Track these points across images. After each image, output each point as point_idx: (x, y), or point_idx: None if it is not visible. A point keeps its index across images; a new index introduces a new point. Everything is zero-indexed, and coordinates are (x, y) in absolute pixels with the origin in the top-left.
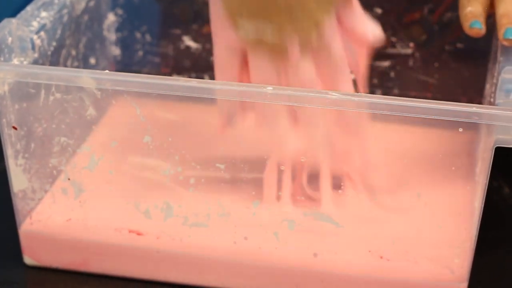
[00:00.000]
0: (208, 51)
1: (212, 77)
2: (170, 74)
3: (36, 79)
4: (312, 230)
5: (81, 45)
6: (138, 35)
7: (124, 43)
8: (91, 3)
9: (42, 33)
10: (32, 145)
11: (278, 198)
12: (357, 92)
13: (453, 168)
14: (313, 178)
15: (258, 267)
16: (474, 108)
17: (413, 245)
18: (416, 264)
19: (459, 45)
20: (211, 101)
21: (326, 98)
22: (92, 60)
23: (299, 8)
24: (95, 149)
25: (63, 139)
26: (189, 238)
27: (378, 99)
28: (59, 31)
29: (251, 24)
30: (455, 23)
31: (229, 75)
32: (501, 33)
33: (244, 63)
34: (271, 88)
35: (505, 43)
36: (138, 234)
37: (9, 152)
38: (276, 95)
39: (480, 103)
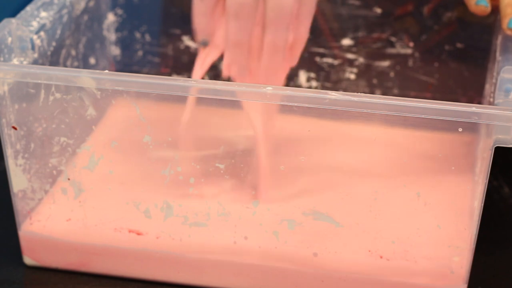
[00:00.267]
0: None
1: (212, 78)
2: (170, 74)
3: (36, 79)
4: (312, 230)
5: (81, 45)
6: (138, 35)
7: (124, 43)
8: (91, 3)
9: (42, 33)
10: (32, 145)
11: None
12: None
13: (453, 168)
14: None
15: (258, 267)
16: (473, 108)
17: (413, 245)
18: (416, 264)
19: (459, 45)
20: (211, 101)
21: (326, 98)
22: (92, 60)
23: None
24: (95, 149)
25: (63, 139)
26: (189, 237)
27: (378, 99)
28: (59, 31)
29: None
30: (450, 16)
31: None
32: (505, 22)
33: None
34: (271, 88)
35: (509, 32)
36: (138, 234)
37: (9, 152)
38: (276, 95)
39: (480, 103)
